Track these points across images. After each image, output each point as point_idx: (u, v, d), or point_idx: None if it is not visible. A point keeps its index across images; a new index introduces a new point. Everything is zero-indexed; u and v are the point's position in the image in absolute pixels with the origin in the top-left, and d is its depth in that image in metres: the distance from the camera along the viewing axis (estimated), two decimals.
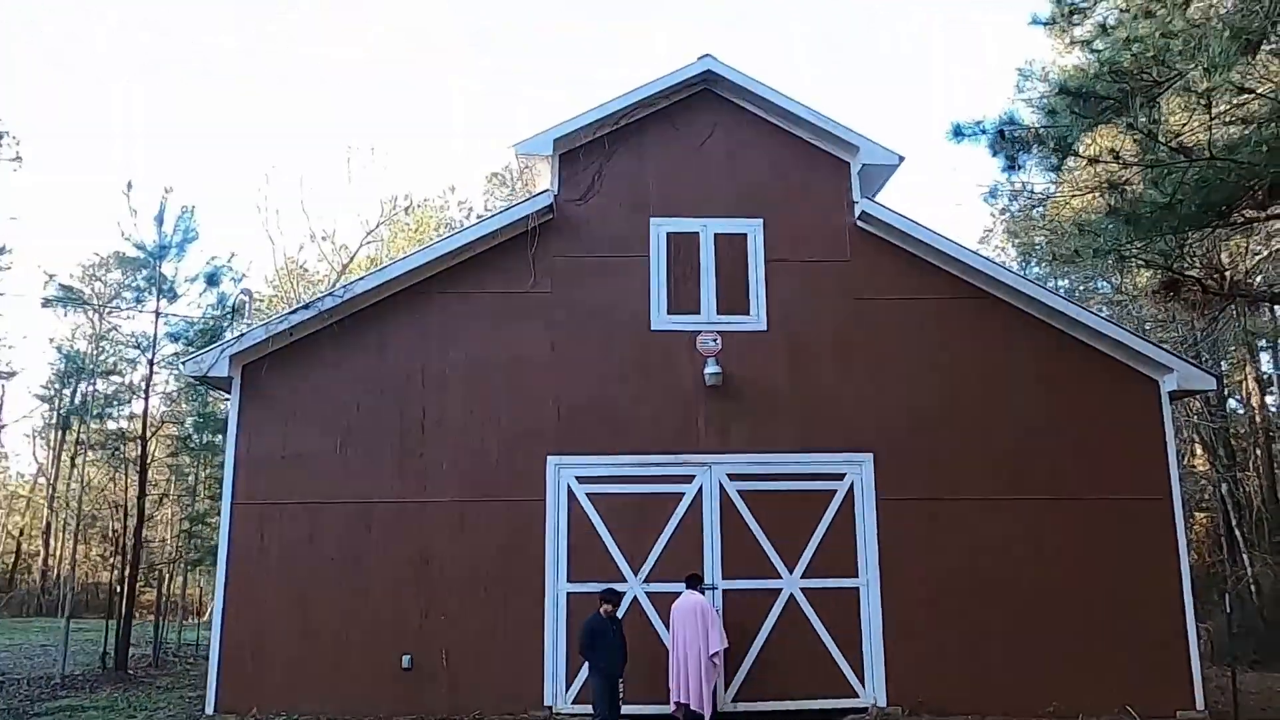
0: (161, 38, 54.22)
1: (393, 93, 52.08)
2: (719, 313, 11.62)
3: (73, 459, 30.86)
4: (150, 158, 54.11)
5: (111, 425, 27.56)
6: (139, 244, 16.67)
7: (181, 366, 12.45)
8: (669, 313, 11.61)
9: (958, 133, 8.48)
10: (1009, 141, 8.55)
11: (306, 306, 11.53)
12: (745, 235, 11.84)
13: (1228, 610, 12.51)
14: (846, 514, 11.17)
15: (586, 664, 8.92)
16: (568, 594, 10.82)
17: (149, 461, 17.01)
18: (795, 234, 11.85)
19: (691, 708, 9.84)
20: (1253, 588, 19.36)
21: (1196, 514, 22.25)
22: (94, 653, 16.45)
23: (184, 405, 21.43)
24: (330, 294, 11.65)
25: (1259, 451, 21.94)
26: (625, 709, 8.94)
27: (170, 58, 53.58)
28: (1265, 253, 14.96)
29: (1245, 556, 20.09)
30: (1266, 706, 12.29)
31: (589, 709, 9.98)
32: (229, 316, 17.70)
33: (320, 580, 10.79)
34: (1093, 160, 8.05)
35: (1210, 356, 20.09)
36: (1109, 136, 9.31)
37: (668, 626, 10.35)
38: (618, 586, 10.29)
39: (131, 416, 25.48)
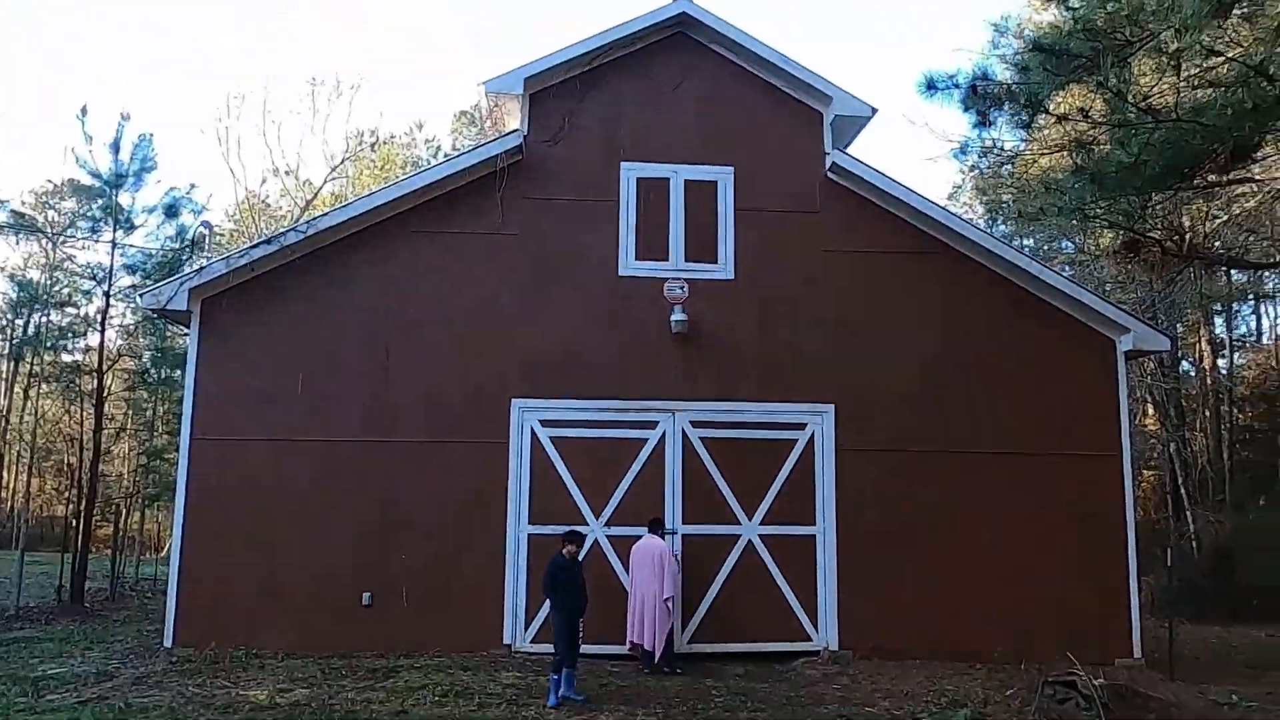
0: (161, 38, 52.30)
1: (393, 92, 50.78)
2: (687, 260, 11.60)
3: (25, 391, 30.30)
4: (110, 88, 52.42)
5: (66, 358, 27.04)
6: (94, 172, 16.20)
7: (139, 299, 12.20)
8: (637, 259, 11.57)
9: (930, 85, 8.44)
10: (981, 97, 8.52)
11: (269, 241, 11.34)
12: (715, 183, 11.78)
13: (1169, 565, 12.93)
14: (806, 463, 11.34)
15: (549, 604, 9.04)
16: (529, 535, 10.92)
17: (105, 395, 16.76)
18: (765, 183, 11.82)
19: (645, 648, 10.06)
20: (1194, 544, 20.02)
21: (1145, 471, 22.87)
22: (49, 586, 16.33)
23: (141, 339, 21.05)
24: (293, 229, 11.46)
25: (1207, 413, 22.56)
26: (583, 648, 9.10)
27: (170, 58, 51.73)
28: (1225, 217, 15.19)
29: (1189, 514, 20.75)
30: (1200, 655, 12.80)
31: (548, 648, 10.09)
32: (188, 249, 17.33)
33: (281, 517, 10.78)
34: (1062, 118, 8.08)
35: (1166, 319, 20.46)
36: (1079, 95, 9.33)
37: (628, 569, 10.51)
38: (580, 529, 10.39)
39: (87, 349, 25.04)
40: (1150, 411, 23.73)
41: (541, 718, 8.03)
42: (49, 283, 26.51)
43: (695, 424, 11.30)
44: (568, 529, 9.53)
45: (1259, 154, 9.02)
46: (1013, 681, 9.28)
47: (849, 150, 12.18)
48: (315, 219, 11.65)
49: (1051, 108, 8.04)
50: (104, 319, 16.84)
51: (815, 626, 11.03)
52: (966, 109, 8.71)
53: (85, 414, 18.48)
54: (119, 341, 22.21)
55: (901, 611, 11.01)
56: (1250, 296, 24.09)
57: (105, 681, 9.08)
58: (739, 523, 11.15)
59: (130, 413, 23.80)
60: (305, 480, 10.87)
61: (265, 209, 32.53)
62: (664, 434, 11.26)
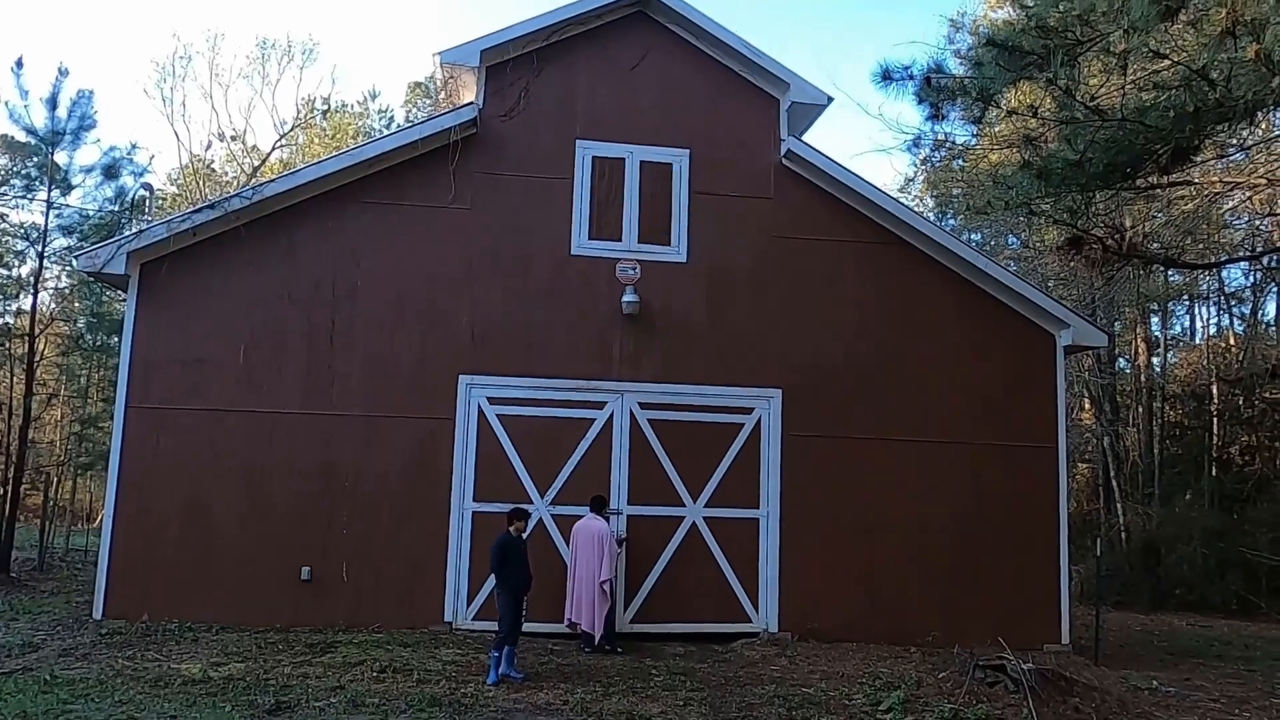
0: None
1: (346, 59, 49.59)
2: (640, 241, 11.58)
3: None
4: (43, 34, 50.45)
5: None
6: (29, 128, 15.61)
7: (75, 261, 11.82)
8: (590, 238, 11.52)
9: (886, 76, 8.46)
10: (935, 90, 8.58)
11: (212, 206, 11.08)
12: (671, 165, 11.77)
13: (1098, 554, 13.34)
14: (752, 447, 11.43)
15: (495, 581, 9.01)
16: (473, 513, 10.87)
17: (37, 360, 16.25)
18: (720, 168, 11.83)
19: (582, 628, 10.09)
20: (1123, 535, 20.68)
21: (1079, 464, 23.52)
22: None
23: (77, 303, 20.42)
24: (239, 194, 11.19)
25: (1140, 409, 23.22)
26: (525, 627, 9.10)
27: (114, 11, 49.70)
28: (1164, 219, 15.60)
29: (1119, 506, 21.40)
30: (1124, 642, 13.25)
31: (488, 625, 10.12)
32: (128, 212, 16.83)
33: (219, 489, 10.58)
34: (1012, 113, 8.20)
35: (1104, 316, 21.00)
36: (1029, 93, 9.49)
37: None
38: (525, 507, 10.36)
39: (19, 312, 24.18)
40: (1087, 406, 24.39)
41: (481, 694, 8.01)
42: None
43: (643, 405, 11.32)
44: (513, 507, 9.50)
45: (1198, 157, 9.27)
46: (945, 665, 9.49)
47: (804, 138, 12.25)
48: (262, 185, 11.39)
49: (1002, 103, 8.14)
50: (37, 281, 16.29)
51: (756, 608, 11.17)
52: (920, 101, 8.77)
53: (15, 379, 17.88)
54: (52, 305, 21.54)
55: (840, 595, 11.20)
56: (1185, 297, 24.79)
57: (31, 653, 8.86)
58: (684, 504, 11.21)
59: (63, 379, 23.12)
60: (244, 451, 10.67)
61: (210, 174, 31.76)
62: (612, 414, 11.27)
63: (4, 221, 23.28)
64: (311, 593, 10.53)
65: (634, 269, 11.41)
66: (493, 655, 8.58)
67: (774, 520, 11.31)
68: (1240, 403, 21.96)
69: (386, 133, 20.78)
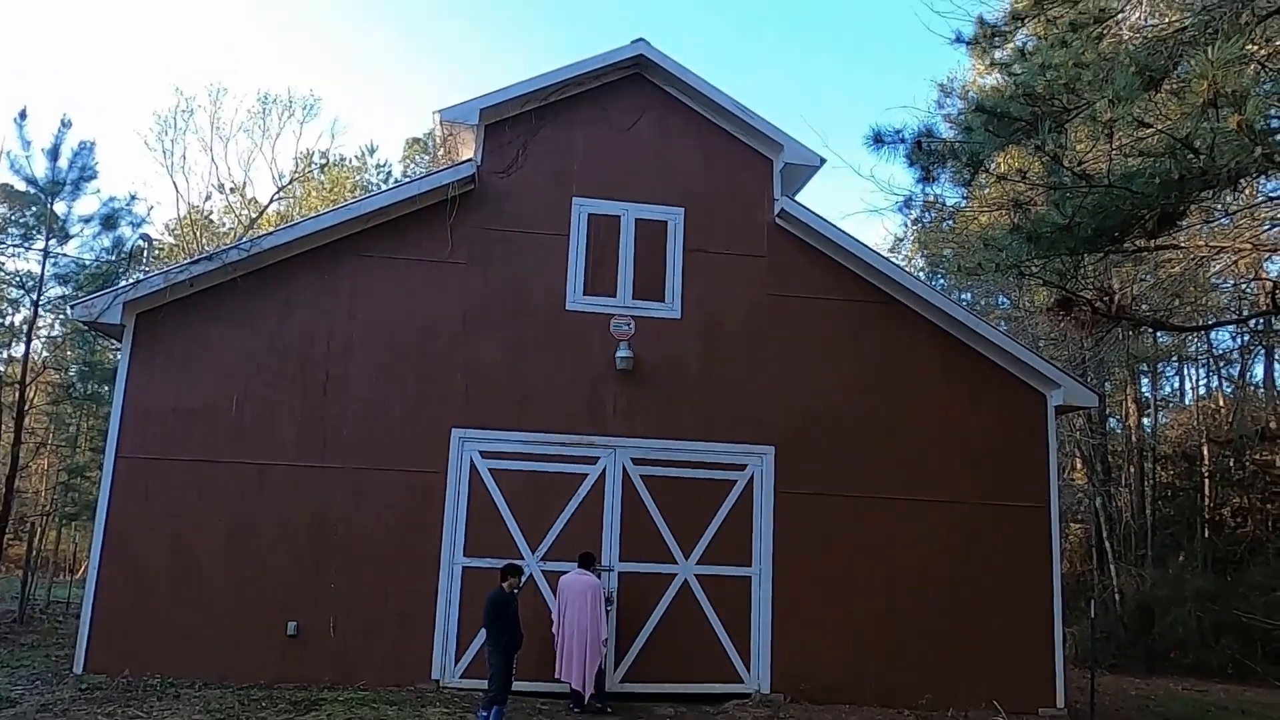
0: (110, 44, 51.28)
1: (346, 114, 50.42)
2: (634, 298, 11.67)
3: None
4: (46, 87, 51.16)
5: None
6: (30, 178, 15.75)
7: (70, 310, 11.84)
8: (585, 294, 11.61)
9: (877, 139, 8.66)
10: (926, 153, 8.77)
11: (210, 257, 11.15)
12: (666, 223, 11.92)
13: (1092, 616, 13.23)
14: (745, 504, 11.39)
15: (487, 638, 8.88)
16: (463, 568, 10.77)
17: (27, 408, 16.17)
18: (715, 226, 11.99)
19: (573, 686, 9.93)
20: (1117, 596, 20.52)
21: (1071, 524, 23.43)
22: None
23: (69, 351, 20.40)
24: (236, 246, 11.28)
25: (1132, 469, 23.23)
26: (514, 685, 8.95)
27: (117, 65, 50.67)
28: (1151, 281, 15.83)
29: (1112, 567, 21.27)
30: (1120, 706, 13.09)
31: (477, 683, 9.96)
32: (125, 262, 16.91)
33: (206, 541, 10.48)
34: (1002, 178, 8.37)
35: (1095, 376, 21.13)
36: (1018, 157, 9.70)
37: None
38: (517, 563, 10.26)
39: (10, 360, 24.15)
40: (1078, 465, 24.39)
41: None
42: None
43: (636, 461, 11.31)
44: (506, 563, 9.41)
45: (1184, 222, 9.45)
46: None
47: (797, 198, 12.44)
48: (259, 238, 11.48)
49: (992, 167, 8.32)
50: (30, 329, 16.33)
51: (748, 668, 11.02)
52: (911, 164, 8.96)
53: (4, 427, 17.78)
54: (45, 353, 21.51)
55: (833, 656, 11.07)
56: (1174, 358, 24.98)
57: (8, 708, 8.67)
58: (676, 561, 11.13)
59: (52, 428, 22.98)
60: (233, 503, 10.59)
61: (208, 225, 31.95)
62: (604, 470, 11.24)
63: (0, 270, 23.35)
64: (298, 648, 10.37)
65: (628, 325, 11.48)
66: (480, 715, 8.43)
67: (766, 578, 11.22)
68: (1231, 464, 21.99)
69: (385, 187, 21.04)
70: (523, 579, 9.44)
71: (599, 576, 10.43)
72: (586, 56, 11.94)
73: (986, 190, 15.42)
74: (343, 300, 11.20)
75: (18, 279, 19.31)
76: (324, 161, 34.04)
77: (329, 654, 10.37)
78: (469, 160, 11.73)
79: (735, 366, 11.70)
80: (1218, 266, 16.64)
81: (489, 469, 11.06)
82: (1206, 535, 21.21)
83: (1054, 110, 7.59)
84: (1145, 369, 24.39)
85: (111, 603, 10.22)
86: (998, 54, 9.26)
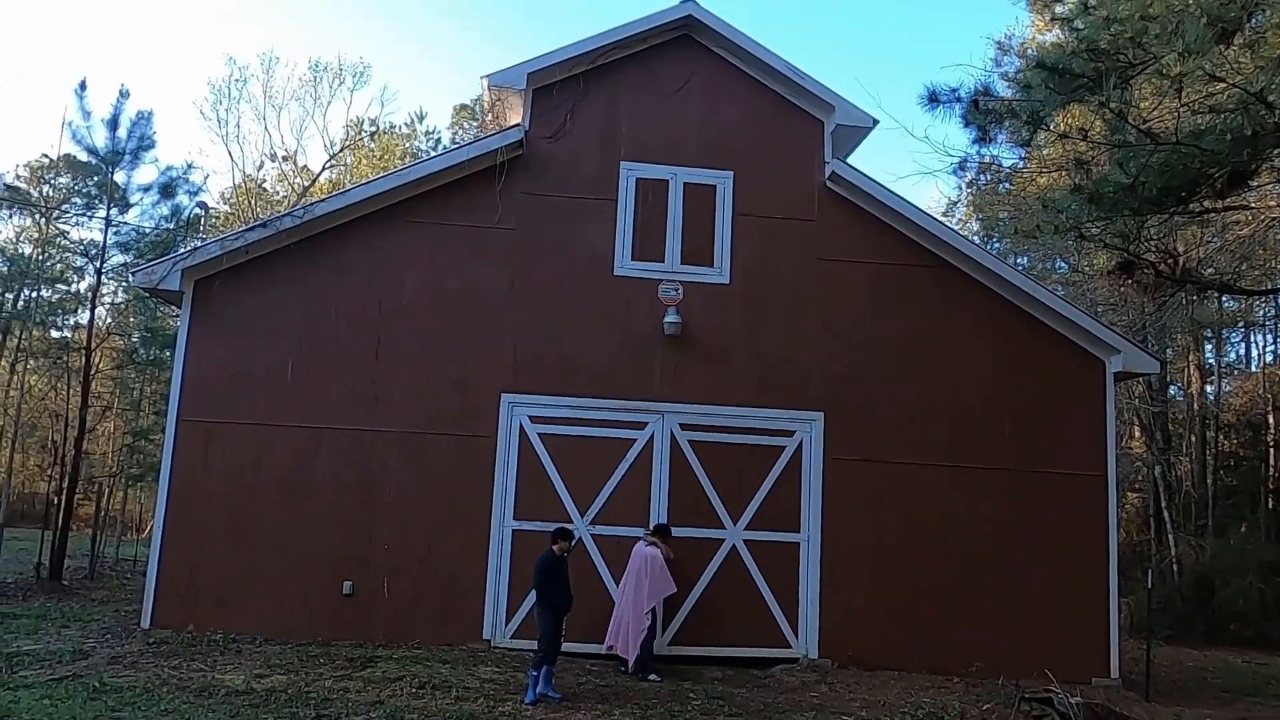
0: (166, 14, 51.89)
1: (395, 81, 50.18)
2: (683, 263, 11.60)
3: (13, 365, 30.10)
4: (105, 57, 52.17)
5: (55, 334, 26.92)
6: (91, 148, 16.10)
7: (131, 277, 12.13)
8: (633, 259, 11.56)
9: (933, 98, 8.44)
10: (983, 113, 8.54)
11: (264, 224, 11.31)
12: (715, 187, 11.79)
13: (1149, 586, 12.98)
14: (793, 470, 11.34)
15: (536, 599, 9.01)
16: (513, 531, 10.90)
17: (93, 373, 16.68)
18: (764, 190, 11.82)
19: (616, 651, 10.03)
20: (1175, 567, 20.11)
21: (1129, 493, 22.97)
22: (28, 563, 16.25)
23: (132, 318, 20.95)
24: (289, 213, 11.43)
25: (1193, 438, 22.65)
26: (564, 646, 9.09)
27: (173, 35, 51.31)
28: (1218, 244, 15.28)
29: (1170, 537, 20.84)
30: (1177, 677, 12.86)
31: (527, 644, 10.12)
32: (183, 229, 17.26)
33: (264, 502, 10.74)
34: (1063, 136, 8.10)
35: (1156, 342, 20.56)
36: (1079, 116, 9.38)
37: (611, 569, 10.52)
38: (567, 526, 10.32)
39: (76, 326, 24.92)
40: (1137, 434, 23.83)
41: (518, 713, 8.00)
42: (41, 258, 26.37)
43: (684, 426, 11.30)
44: (557, 526, 9.51)
45: (1254, 181, 9.08)
46: (989, 697, 9.30)
47: (849, 160, 12.20)
48: (312, 205, 11.61)
49: (1052, 126, 8.07)
50: (94, 296, 16.83)
51: (795, 634, 11.03)
52: (967, 124, 8.73)
53: (72, 391, 18.37)
54: (109, 319, 22.13)
55: (881, 622, 11.03)
56: (1240, 324, 24.21)
57: (81, 660, 9.03)
58: (724, 527, 11.15)
59: (117, 392, 23.70)
60: (290, 466, 10.82)
61: (262, 194, 32.46)
62: (652, 435, 11.26)
63: (65, 239, 24.01)
64: (352, 607, 10.62)
65: (676, 290, 11.42)
66: (531, 674, 8.58)
67: (815, 545, 11.19)
68: None
69: (433, 154, 21.11)
70: (572, 543, 9.52)
71: (659, 545, 10.29)
72: (634, 19, 11.78)
73: (1045, 151, 15.00)
74: (392, 266, 11.31)
75: (81, 247, 19.84)
76: (374, 129, 34.28)
77: (383, 613, 10.61)
78: (516, 125, 11.70)
79: (784, 332, 11.59)
80: None
81: (538, 434, 11.15)
82: (1270, 506, 20.65)
83: (1119, 66, 7.32)
84: (1209, 335, 23.68)
85: (175, 561, 10.55)
86: (1059, 8, 8.97)
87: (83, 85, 15.76)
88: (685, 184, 11.75)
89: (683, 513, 11.09)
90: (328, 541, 10.72)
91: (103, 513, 20.58)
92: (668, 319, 11.26)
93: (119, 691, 7.81)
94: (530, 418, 11.17)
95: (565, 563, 9.12)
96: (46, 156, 33.01)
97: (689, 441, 11.28)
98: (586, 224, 11.58)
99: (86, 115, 15.83)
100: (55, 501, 15.93)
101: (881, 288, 11.76)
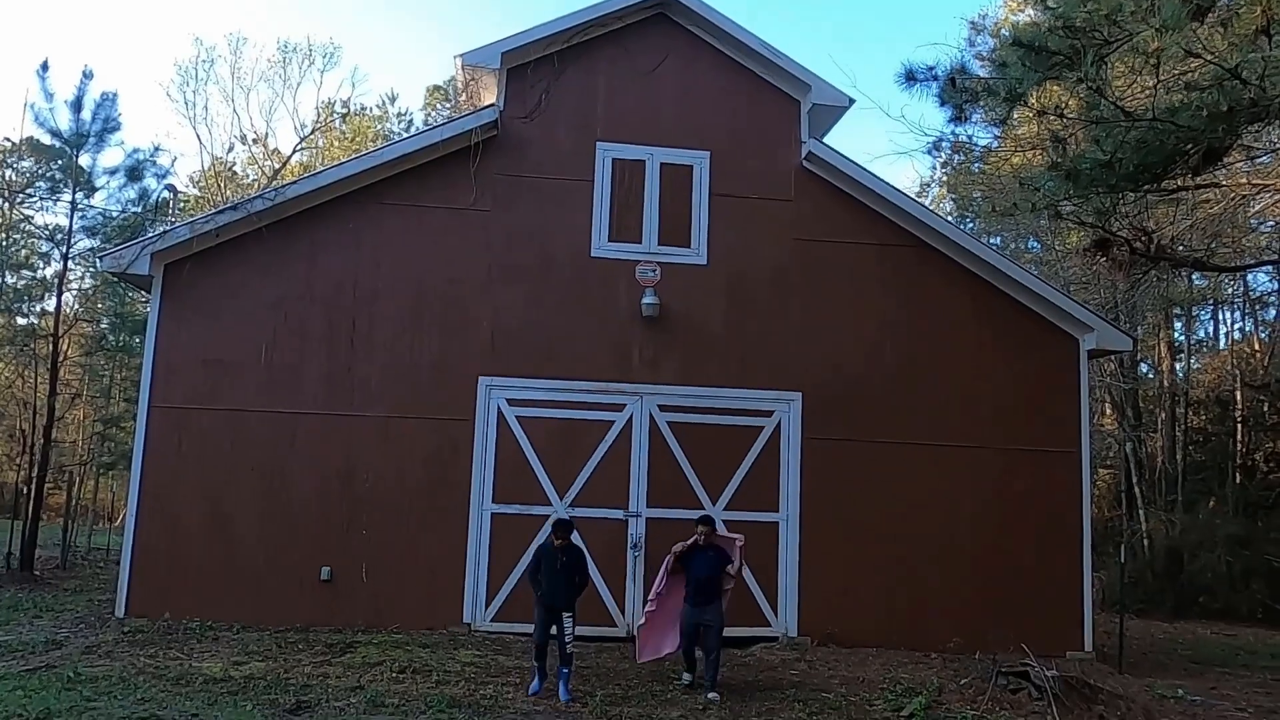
0: None
1: (366, 62, 49.35)
2: (660, 244, 11.55)
3: None
4: (68, 37, 51.06)
5: (21, 321, 26.39)
6: (55, 130, 15.73)
7: (99, 262, 11.92)
8: (610, 240, 11.50)
9: (909, 77, 8.44)
10: (959, 91, 8.54)
11: (235, 207, 11.14)
12: (691, 167, 11.73)
13: (1121, 561, 13.17)
14: (772, 451, 11.37)
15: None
16: (492, 514, 10.86)
17: (61, 360, 16.39)
18: (741, 170, 11.78)
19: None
20: (1146, 542, 20.42)
21: (1101, 470, 23.27)
22: None
23: (100, 303, 20.60)
24: (261, 195, 11.25)
25: (1163, 415, 22.95)
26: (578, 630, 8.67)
27: (137, 15, 50.12)
28: (1189, 222, 15.44)
29: (1142, 513, 21.15)
30: (1148, 650, 13.09)
31: (507, 627, 10.18)
32: (151, 213, 16.97)
33: (239, 489, 10.62)
34: (1041, 113, 8.13)
35: (1127, 320, 20.78)
36: (1055, 94, 9.41)
37: (590, 550, 10.46)
38: (542, 510, 10.28)
39: (43, 313, 24.44)
40: (1109, 411, 24.14)
41: (500, 696, 7.99)
42: (5, 244, 25.83)
43: (663, 408, 11.28)
44: (556, 518, 9.40)
45: (1225, 160, 9.16)
46: (967, 671, 9.39)
47: (825, 140, 12.19)
48: (283, 187, 11.44)
49: (1030, 103, 8.08)
50: (61, 282, 16.49)
51: (775, 613, 11.09)
52: (943, 103, 8.73)
53: (40, 378, 18.04)
54: (76, 306, 21.74)
55: (860, 600, 11.11)
56: (1209, 301, 24.52)
57: (54, 650, 8.90)
58: (703, 507, 11.13)
59: (86, 379, 23.34)
60: (265, 451, 10.71)
61: (232, 177, 32.00)
62: (631, 417, 11.23)
63: (29, 224, 23.53)
64: (331, 593, 10.55)
65: (654, 271, 11.38)
66: (534, 665, 8.38)
67: (794, 524, 11.24)
68: (1265, 409, 21.65)
69: (406, 135, 20.87)
70: (570, 536, 9.00)
71: (697, 539, 9.12)
72: None
73: (1020, 130, 15.05)
74: (367, 249, 11.17)
75: (47, 232, 19.46)
76: (345, 111, 33.86)
77: (362, 598, 10.55)
78: (491, 105, 11.57)
79: (762, 312, 11.58)
80: (1258, 206, 16.20)
81: (516, 416, 11.09)
82: (1238, 481, 20.97)
83: (1095, 43, 7.33)
84: (1179, 312, 23.97)
85: (150, 548, 10.42)
86: None
87: (45, 66, 15.39)
88: (662, 164, 11.69)
89: (662, 494, 11.09)
90: (305, 527, 10.62)
91: (74, 501, 20.29)
92: (645, 300, 11.22)
93: (94, 681, 7.71)
94: (508, 400, 11.11)
95: (556, 554, 8.78)
96: (9, 140, 32.25)
97: (668, 423, 11.27)
98: (563, 205, 11.49)
99: (49, 97, 15.45)
100: (25, 491, 15.68)
101: (859, 267, 11.78)
